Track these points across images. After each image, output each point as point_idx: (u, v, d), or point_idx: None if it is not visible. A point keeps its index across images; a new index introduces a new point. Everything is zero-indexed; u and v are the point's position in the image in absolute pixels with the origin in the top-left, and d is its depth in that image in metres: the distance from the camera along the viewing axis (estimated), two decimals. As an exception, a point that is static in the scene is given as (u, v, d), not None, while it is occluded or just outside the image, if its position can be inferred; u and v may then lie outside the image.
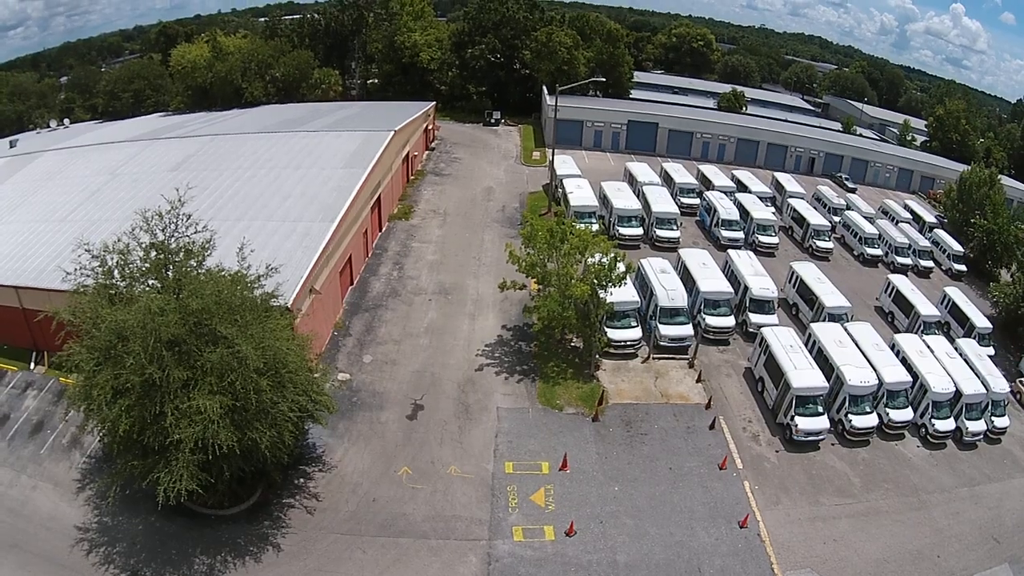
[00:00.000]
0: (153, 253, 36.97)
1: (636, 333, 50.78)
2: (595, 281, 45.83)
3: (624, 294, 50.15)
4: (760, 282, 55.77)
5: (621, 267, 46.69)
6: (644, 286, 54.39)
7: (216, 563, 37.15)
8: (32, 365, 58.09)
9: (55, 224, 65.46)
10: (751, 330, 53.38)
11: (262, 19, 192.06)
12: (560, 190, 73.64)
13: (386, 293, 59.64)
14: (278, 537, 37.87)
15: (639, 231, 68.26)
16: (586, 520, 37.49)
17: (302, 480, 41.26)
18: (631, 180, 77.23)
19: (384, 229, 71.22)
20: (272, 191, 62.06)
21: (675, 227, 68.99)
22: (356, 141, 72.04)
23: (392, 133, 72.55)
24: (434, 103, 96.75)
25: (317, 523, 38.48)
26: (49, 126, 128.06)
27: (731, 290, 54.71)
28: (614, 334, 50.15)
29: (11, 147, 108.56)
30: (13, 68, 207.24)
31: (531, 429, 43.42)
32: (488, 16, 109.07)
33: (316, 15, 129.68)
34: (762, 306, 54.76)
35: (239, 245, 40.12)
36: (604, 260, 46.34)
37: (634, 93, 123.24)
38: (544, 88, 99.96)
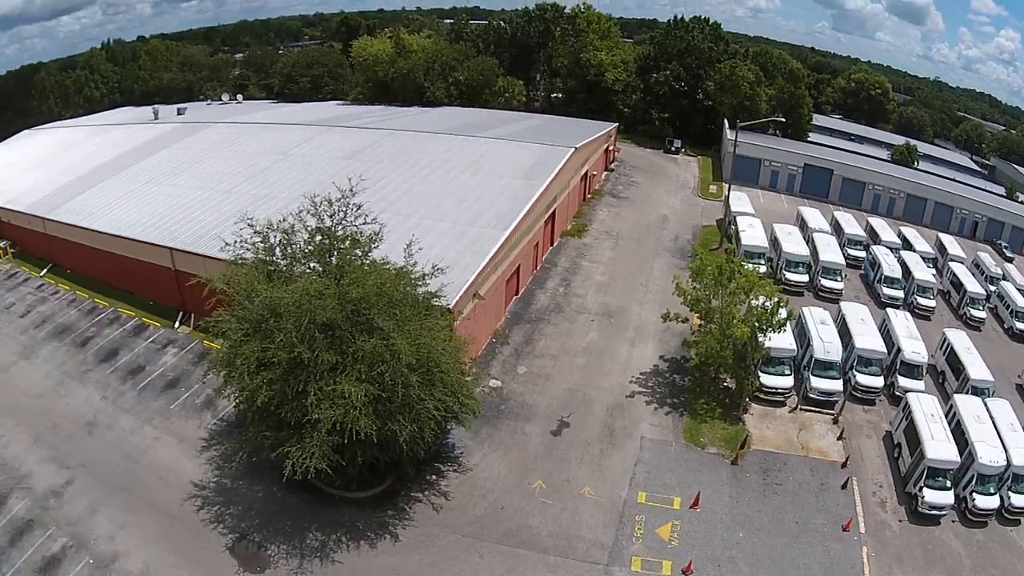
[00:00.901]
0: (319, 237, 39.39)
1: (788, 381, 51.94)
2: (756, 324, 47.12)
3: (782, 340, 51.46)
4: (913, 345, 55.81)
5: (783, 313, 48.00)
6: (802, 335, 55.61)
7: (329, 541, 39.33)
8: (177, 324, 63.19)
9: (219, 195, 71.27)
10: (897, 393, 53.31)
11: (447, 21, 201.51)
12: (733, 227, 75.64)
13: (550, 308, 62.25)
14: (398, 527, 40.31)
15: (805, 278, 69.63)
16: (705, 561, 38.17)
17: (434, 477, 43.80)
18: (802, 225, 78.52)
19: (556, 244, 74.17)
20: (447, 193, 65.02)
21: (840, 278, 69.91)
22: (535, 153, 74.40)
23: (572, 150, 74.63)
24: (616, 124, 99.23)
25: (440, 520, 40.75)
26: (221, 99, 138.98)
27: (885, 350, 55.19)
28: (767, 380, 51.37)
29: (178, 114, 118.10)
30: (184, 39, 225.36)
31: (671, 463, 44.93)
32: (674, 43, 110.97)
33: (503, 23, 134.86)
34: (912, 370, 54.77)
35: (407, 241, 42.29)
36: (768, 304, 47.64)
37: (811, 136, 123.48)
38: (725, 121, 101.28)
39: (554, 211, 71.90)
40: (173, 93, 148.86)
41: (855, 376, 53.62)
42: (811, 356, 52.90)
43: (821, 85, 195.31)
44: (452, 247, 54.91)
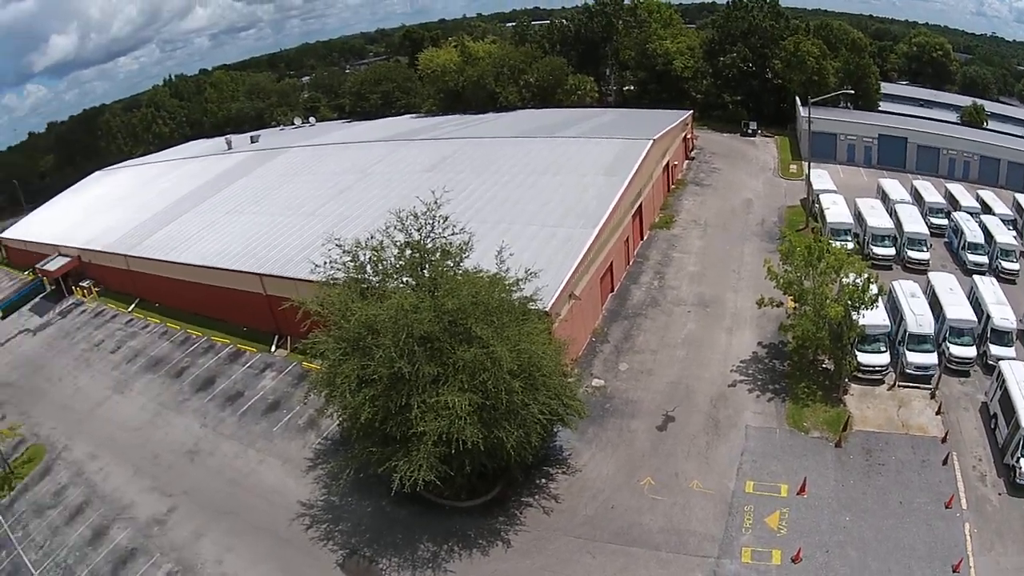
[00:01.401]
0: (408, 252, 40.59)
1: (885, 358, 52.17)
2: (848, 302, 47.76)
3: (875, 317, 51.79)
4: (1002, 311, 55.61)
5: (874, 289, 48.47)
6: (895, 310, 55.88)
7: (442, 551, 40.53)
8: (273, 348, 65.44)
9: (302, 218, 73.85)
10: (990, 362, 52.84)
11: (509, 24, 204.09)
12: (816, 205, 76.42)
13: (646, 302, 63.60)
14: (510, 533, 41.34)
15: (892, 251, 70.20)
16: (813, 548, 38.51)
17: (544, 480, 44.91)
18: (884, 197, 78.81)
19: (646, 238, 75.35)
20: (531, 196, 66.30)
21: (925, 248, 70.22)
22: (615, 149, 75.40)
23: (651, 142, 75.37)
24: (691, 112, 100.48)
25: (552, 524, 41.74)
26: (293, 123, 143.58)
27: (975, 319, 55.09)
28: (864, 358, 51.81)
29: (252, 142, 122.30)
30: (247, 68, 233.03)
31: (776, 450, 45.61)
32: (735, 24, 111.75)
33: (564, 21, 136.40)
34: (1002, 337, 54.28)
35: (497, 248, 43.39)
36: (858, 281, 48.17)
37: (882, 105, 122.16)
38: (797, 99, 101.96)
39: (640, 204, 72.95)
40: (243, 122, 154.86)
41: (948, 348, 53.69)
42: (905, 331, 53.21)
43: (884, 52, 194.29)
44: (543, 250, 56.19)
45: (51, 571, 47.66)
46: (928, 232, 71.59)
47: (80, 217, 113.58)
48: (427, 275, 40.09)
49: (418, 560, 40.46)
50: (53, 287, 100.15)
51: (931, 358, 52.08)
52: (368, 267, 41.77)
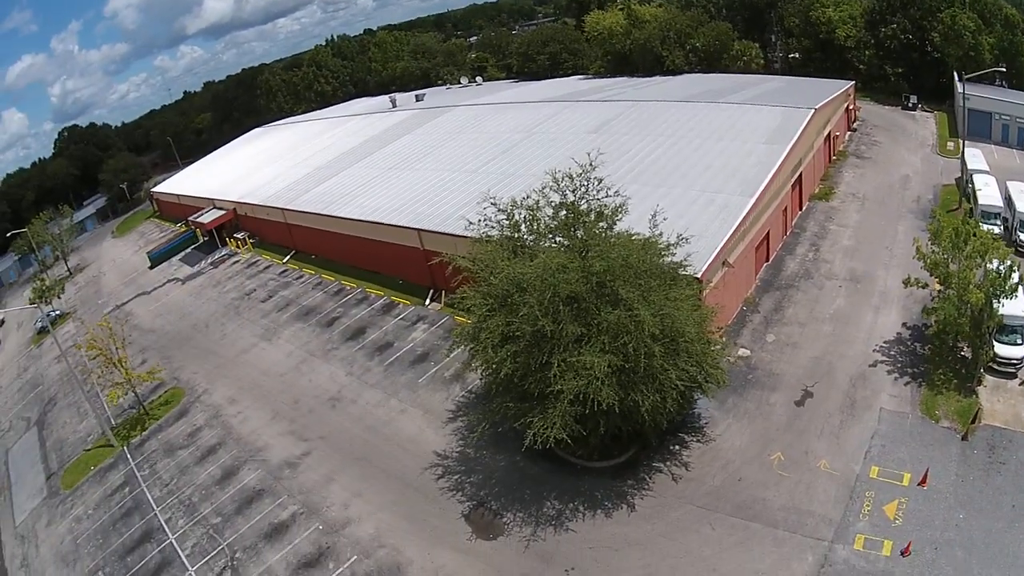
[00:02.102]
0: (563, 212, 41.75)
1: (1021, 351, 50.55)
2: (990, 289, 46.81)
3: (1016, 307, 50.51)
4: None
5: (1015, 277, 47.26)
6: None
7: (566, 510, 42.20)
8: (428, 301, 68.58)
9: (465, 175, 77.02)
10: None
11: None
12: (970, 186, 74.24)
13: (799, 274, 63.70)
14: (636, 497, 42.78)
15: None
16: (923, 543, 38.29)
17: (677, 447, 46.21)
18: None
19: (804, 208, 75.16)
20: (692, 161, 66.78)
21: None
22: (777, 117, 74.86)
23: (812, 111, 74.40)
24: (853, 83, 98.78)
25: (678, 491, 42.96)
26: (460, 82, 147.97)
27: None
28: (1001, 349, 50.41)
29: (417, 100, 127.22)
30: (413, 28, 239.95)
31: (905, 437, 45.39)
32: None
33: None
34: None
35: (652, 212, 44.16)
36: (1001, 268, 47.14)
37: None
38: (955, 75, 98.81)
39: (800, 174, 72.44)
40: (408, 81, 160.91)
41: None
42: None
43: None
44: (700, 215, 56.90)
45: (174, 507, 52.33)
46: None
47: (237, 172, 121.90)
48: (579, 236, 41.17)
49: (542, 517, 42.21)
50: (206, 239, 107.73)
51: None
52: (523, 226, 43.19)
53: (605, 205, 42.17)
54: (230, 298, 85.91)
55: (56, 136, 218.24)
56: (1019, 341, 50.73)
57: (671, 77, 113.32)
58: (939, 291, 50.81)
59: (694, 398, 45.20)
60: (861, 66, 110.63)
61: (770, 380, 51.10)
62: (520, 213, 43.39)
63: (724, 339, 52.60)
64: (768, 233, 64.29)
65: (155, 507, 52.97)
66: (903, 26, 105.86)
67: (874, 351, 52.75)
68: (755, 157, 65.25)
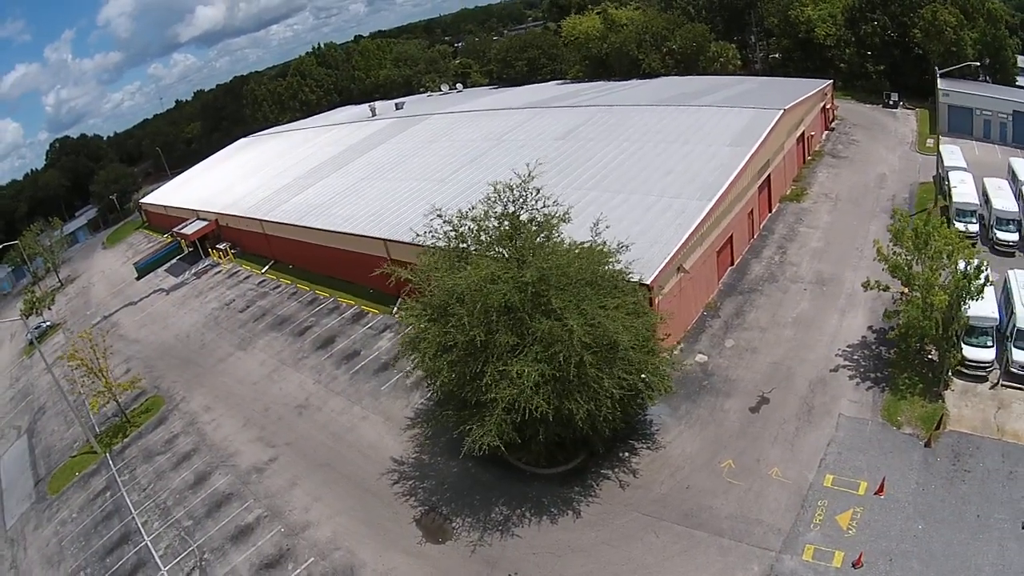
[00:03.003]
0: (504, 223, 42.31)
1: (991, 354, 49.63)
2: (956, 291, 45.93)
3: (983, 308, 49.40)
4: None
5: (983, 278, 46.26)
6: (1008, 302, 52.70)
7: (513, 515, 42.99)
8: (395, 310, 69.12)
9: (434, 184, 77.76)
10: None
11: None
12: (946, 183, 73.25)
13: (764, 277, 63.58)
14: (582, 504, 43.10)
15: (1016, 236, 65.44)
16: (877, 555, 37.74)
17: (626, 454, 46.33)
18: (1013, 178, 73.67)
19: (775, 210, 75.28)
20: (655, 166, 67.18)
21: None
22: (745, 118, 74.55)
23: (781, 112, 73.95)
24: (831, 81, 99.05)
25: (625, 499, 43.14)
26: (440, 90, 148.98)
27: None
28: (970, 352, 49.38)
29: (396, 109, 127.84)
30: (403, 33, 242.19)
31: (864, 444, 44.85)
32: None
33: None
34: None
35: (602, 219, 45.20)
36: (968, 268, 46.10)
37: (1020, 81, 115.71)
38: (937, 70, 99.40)
39: (769, 176, 72.61)
40: (391, 89, 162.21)
41: None
42: (1014, 325, 49.93)
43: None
44: (656, 221, 57.52)
45: (150, 511, 53.98)
46: None
47: (220, 183, 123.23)
48: (515, 246, 41.70)
49: (489, 522, 43.06)
50: (190, 249, 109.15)
51: None
52: (469, 237, 43.82)
53: (546, 215, 42.74)
54: (210, 308, 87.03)
55: (48, 147, 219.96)
56: (989, 343, 49.96)
57: (647, 81, 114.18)
58: (903, 294, 50.35)
59: (642, 405, 45.67)
60: (842, 64, 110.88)
61: (726, 386, 51.19)
62: (466, 224, 44.01)
63: (679, 345, 54.10)
64: (732, 237, 64.79)
65: (133, 511, 54.61)
66: (883, 23, 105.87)
67: (836, 355, 52.69)
68: (717, 160, 65.70)
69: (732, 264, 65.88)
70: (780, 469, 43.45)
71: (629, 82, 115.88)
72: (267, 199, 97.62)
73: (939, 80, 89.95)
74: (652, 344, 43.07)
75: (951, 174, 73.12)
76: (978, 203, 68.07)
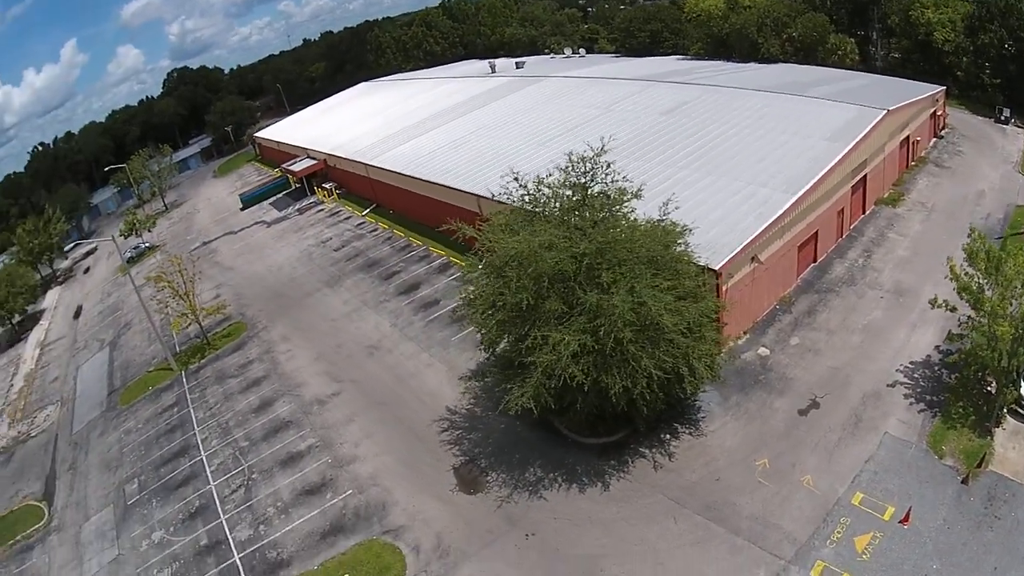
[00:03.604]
0: (575, 193, 43.46)
1: None
2: (1022, 324, 43.13)
3: None
4: None
5: None
6: None
7: (546, 478, 44.36)
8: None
9: (534, 147, 79.42)
10: None
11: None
12: None
13: (844, 279, 62.32)
14: (612, 478, 44.03)
15: None
16: None
17: (668, 436, 46.77)
18: None
19: (868, 212, 73.58)
20: (749, 152, 66.78)
21: None
22: (848, 114, 73.25)
23: (884, 112, 71.92)
24: (944, 88, 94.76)
25: (654, 480, 43.76)
26: (563, 53, 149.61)
27: None
28: None
29: (517, 68, 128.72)
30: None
31: (902, 467, 43.50)
32: (995, 2, 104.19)
33: None
34: None
35: (675, 199, 46.19)
36: None
37: None
38: None
39: (865, 176, 71.15)
40: (516, 47, 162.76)
41: None
42: None
43: None
44: (738, 208, 57.22)
45: (212, 429, 58.05)
46: None
47: (333, 124, 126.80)
48: (578, 217, 42.87)
49: (521, 481, 44.63)
50: (297, 186, 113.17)
51: None
52: (542, 204, 44.77)
53: (617, 190, 43.41)
54: (307, 244, 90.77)
55: (166, 76, 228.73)
56: None
57: (764, 65, 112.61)
58: (970, 318, 46.92)
59: (684, 389, 44.95)
60: (959, 73, 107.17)
61: (780, 384, 50.70)
62: (543, 191, 44.94)
63: (745, 335, 54.65)
64: (817, 233, 63.86)
65: (196, 427, 58.80)
66: (1001, 35, 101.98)
67: (897, 370, 50.97)
68: (812, 153, 64.93)
69: (815, 261, 65.15)
70: (813, 478, 43.05)
71: (747, 64, 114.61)
72: (375, 144, 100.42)
73: None
74: (706, 330, 42.76)
75: None
76: None
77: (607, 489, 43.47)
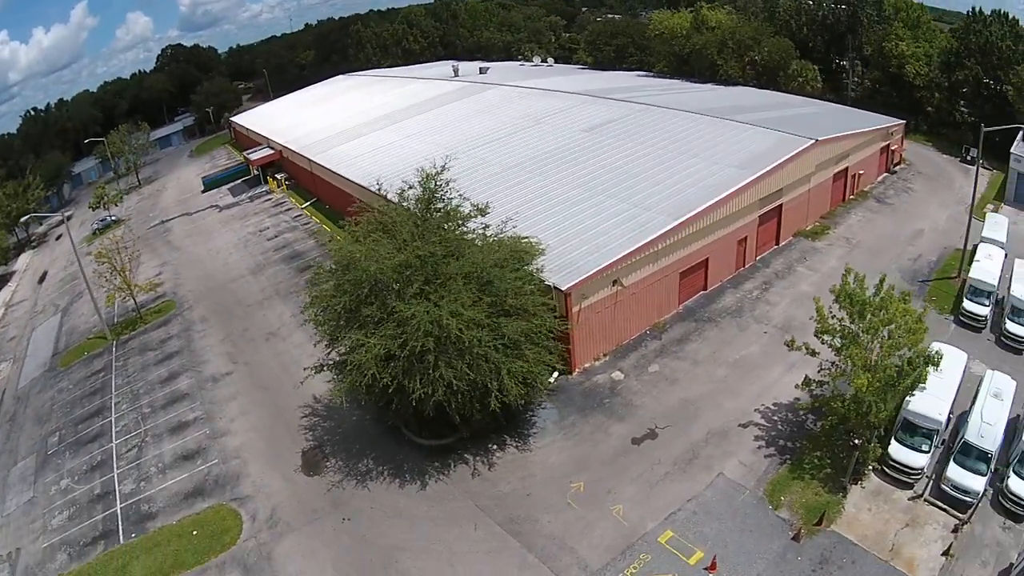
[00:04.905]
0: (416, 207, 47.62)
1: (922, 460, 43.25)
2: (884, 376, 40.48)
3: (927, 406, 43.85)
4: None
5: (934, 370, 41.86)
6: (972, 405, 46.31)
7: (375, 470, 47.32)
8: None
9: (457, 154, 78.40)
10: None
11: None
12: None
13: (730, 310, 61.41)
14: (431, 478, 46.27)
15: None
16: None
17: (495, 447, 48.22)
18: None
19: (783, 243, 72.41)
20: (650, 174, 67.23)
21: None
22: (770, 141, 71.95)
23: (811, 142, 70.65)
24: (903, 123, 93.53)
25: (469, 487, 45.48)
26: (532, 61, 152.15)
27: None
28: (897, 451, 43.66)
29: (480, 73, 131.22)
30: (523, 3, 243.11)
31: (727, 512, 41.75)
32: (972, 39, 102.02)
33: (811, 2, 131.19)
34: None
35: (505, 219, 50.04)
36: (907, 355, 41.43)
37: None
38: (1022, 133, 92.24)
39: (780, 206, 70.14)
40: (492, 51, 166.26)
41: (1010, 478, 42.08)
42: (961, 436, 43.85)
43: None
44: (613, 230, 57.91)
45: (124, 394, 62.46)
46: None
47: (297, 115, 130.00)
48: (416, 230, 46.21)
49: (354, 470, 47.67)
50: (256, 173, 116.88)
51: (978, 482, 41.69)
52: (396, 212, 48.52)
53: (455, 207, 47.82)
54: (247, 232, 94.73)
55: (160, 52, 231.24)
56: (925, 448, 43.70)
57: (720, 87, 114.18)
58: (833, 363, 44.20)
59: (540, 405, 49.94)
60: (930, 108, 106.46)
61: (624, 410, 50.32)
62: (408, 198, 48.89)
63: (604, 358, 56.18)
64: (707, 260, 63.43)
65: (113, 392, 63.22)
66: (976, 73, 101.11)
67: (756, 410, 49.27)
68: (713, 180, 64.83)
69: (705, 289, 64.64)
70: (625, 508, 42.31)
71: (703, 85, 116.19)
72: (323, 140, 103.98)
73: (1018, 142, 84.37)
74: (528, 348, 43.89)
75: (981, 246, 66.19)
76: (994, 285, 60.46)
77: (424, 488, 45.57)
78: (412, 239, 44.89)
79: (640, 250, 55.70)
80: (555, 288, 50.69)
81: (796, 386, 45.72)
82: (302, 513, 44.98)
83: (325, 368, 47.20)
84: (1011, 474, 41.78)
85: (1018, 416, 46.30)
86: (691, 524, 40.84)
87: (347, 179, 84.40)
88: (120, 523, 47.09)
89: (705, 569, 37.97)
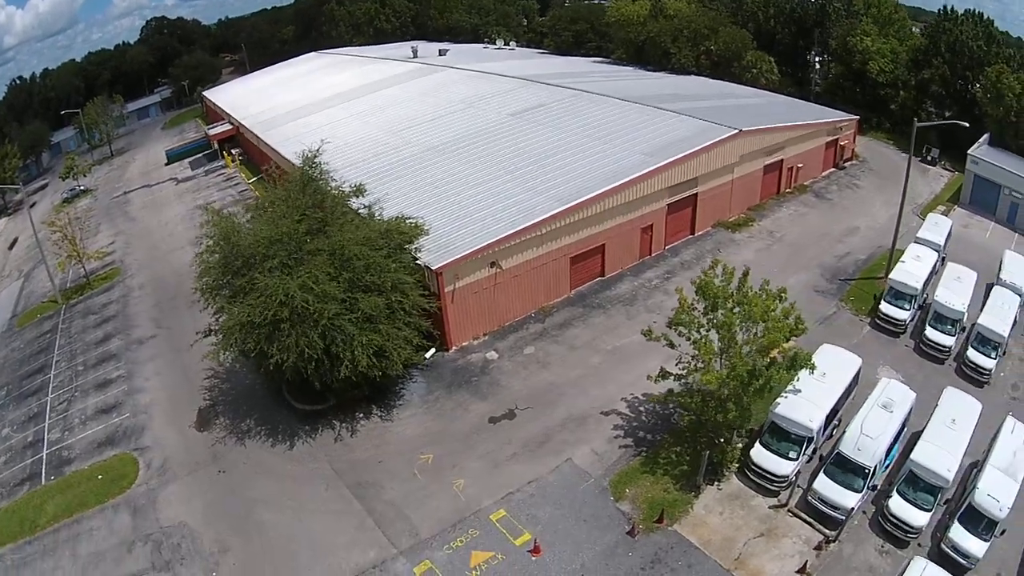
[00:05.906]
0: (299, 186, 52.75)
1: (787, 467, 41.12)
2: (733, 374, 39.09)
3: (798, 411, 42.05)
4: (994, 478, 38.94)
5: (803, 375, 41.45)
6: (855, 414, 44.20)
7: (254, 430, 50.79)
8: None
9: (388, 135, 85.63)
10: (945, 547, 38.03)
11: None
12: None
13: (623, 298, 61.71)
14: (299, 440, 49.41)
15: (951, 341, 54.29)
16: None
17: (361, 415, 51.07)
18: (999, 272, 62.18)
19: (699, 233, 72.58)
20: (559, 159, 68.47)
21: (995, 353, 52.69)
22: (690, 130, 72.06)
23: (734, 131, 70.62)
24: (855, 118, 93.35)
25: (330, 450, 48.24)
26: (495, 44, 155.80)
27: (953, 470, 39.75)
28: (759, 456, 41.94)
29: (440, 55, 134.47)
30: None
31: (564, 498, 42.09)
32: (942, 38, 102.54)
33: None
34: (976, 521, 37.82)
35: (371, 203, 54.25)
36: (750, 358, 40.01)
37: None
38: (986, 136, 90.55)
39: (696, 196, 70.33)
40: (460, 33, 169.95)
41: (890, 499, 39.73)
42: (835, 448, 41.76)
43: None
44: (500, 213, 59.52)
45: (64, 353, 67.46)
46: (1007, 333, 53.90)
47: (260, 92, 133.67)
48: (279, 208, 50.98)
49: (237, 429, 51.37)
50: (215, 148, 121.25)
51: (850, 498, 39.26)
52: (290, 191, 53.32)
53: (340, 188, 53.38)
54: (196, 204, 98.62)
55: (144, 24, 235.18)
56: (792, 455, 41.54)
57: (671, 76, 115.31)
58: (694, 356, 41.91)
59: (410, 379, 53.33)
60: (893, 106, 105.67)
61: (489, 389, 52.08)
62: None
63: (483, 337, 58.34)
64: (604, 247, 63.99)
65: (55, 351, 68.08)
66: (943, 72, 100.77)
67: (623, 400, 49.20)
68: (618, 167, 65.13)
69: (602, 275, 65.16)
70: (465, 483, 43.74)
71: (655, 74, 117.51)
72: (276, 117, 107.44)
73: (978, 145, 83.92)
74: (383, 323, 46.43)
75: (911, 247, 63.80)
76: (918, 288, 57.79)
77: (291, 448, 48.73)
78: (281, 216, 49.38)
79: (519, 233, 57.02)
80: (426, 267, 53.21)
81: (648, 377, 43.46)
82: (187, 464, 48.84)
83: (212, 333, 51.18)
84: (894, 493, 39.67)
85: (910, 431, 44.42)
86: (526, 506, 41.44)
87: (283, 155, 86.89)
88: (44, 467, 51.51)
89: (529, 552, 38.55)
